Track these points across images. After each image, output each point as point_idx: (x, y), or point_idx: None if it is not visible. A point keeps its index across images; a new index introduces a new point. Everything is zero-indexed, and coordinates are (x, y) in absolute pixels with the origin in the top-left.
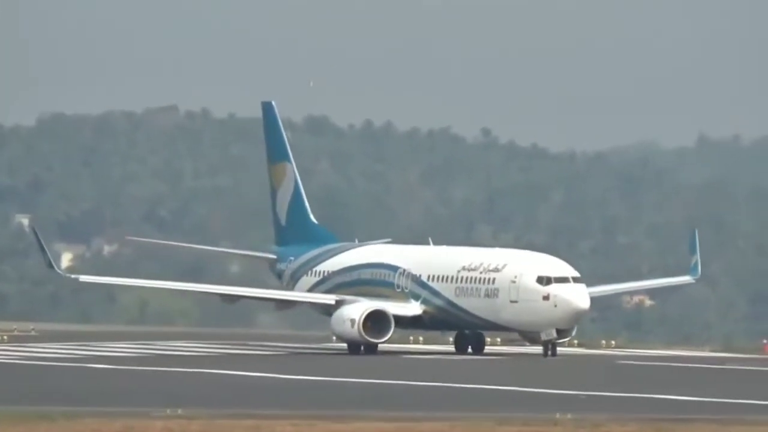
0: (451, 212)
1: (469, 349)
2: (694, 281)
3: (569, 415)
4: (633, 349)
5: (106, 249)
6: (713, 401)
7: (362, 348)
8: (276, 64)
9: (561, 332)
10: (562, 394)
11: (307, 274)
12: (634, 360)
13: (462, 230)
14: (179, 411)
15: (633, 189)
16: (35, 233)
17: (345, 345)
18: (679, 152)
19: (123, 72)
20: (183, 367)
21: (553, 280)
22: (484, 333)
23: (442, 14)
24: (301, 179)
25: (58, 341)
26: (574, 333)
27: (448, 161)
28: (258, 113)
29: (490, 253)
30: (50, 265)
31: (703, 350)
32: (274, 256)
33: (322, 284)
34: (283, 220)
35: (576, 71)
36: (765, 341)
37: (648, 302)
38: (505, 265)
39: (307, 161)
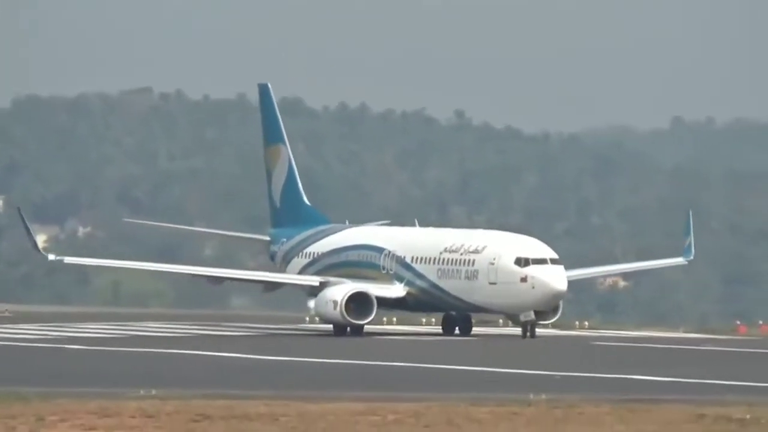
0: (425, 194)
1: (457, 331)
2: (686, 263)
3: (543, 396)
4: (607, 330)
5: (81, 230)
6: (688, 382)
7: (348, 329)
8: (250, 46)
9: (542, 314)
10: (537, 374)
11: (298, 256)
12: (609, 341)
13: (436, 212)
14: (153, 392)
15: (607, 171)
16: (21, 216)
17: (329, 326)
18: (654, 134)
19: (98, 54)
20: (157, 348)
21: (530, 261)
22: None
23: None
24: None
25: (32, 322)
26: (559, 314)
27: (422, 143)
28: (232, 95)
29: (471, 235)
30: (35, 247)
31: (677, 331)
32: (268, 238)
33: (311, 266)
34: (277, 202)
35: (550, 54)
36: (739, 322)
37: (622, 283)
38: (485, 247)
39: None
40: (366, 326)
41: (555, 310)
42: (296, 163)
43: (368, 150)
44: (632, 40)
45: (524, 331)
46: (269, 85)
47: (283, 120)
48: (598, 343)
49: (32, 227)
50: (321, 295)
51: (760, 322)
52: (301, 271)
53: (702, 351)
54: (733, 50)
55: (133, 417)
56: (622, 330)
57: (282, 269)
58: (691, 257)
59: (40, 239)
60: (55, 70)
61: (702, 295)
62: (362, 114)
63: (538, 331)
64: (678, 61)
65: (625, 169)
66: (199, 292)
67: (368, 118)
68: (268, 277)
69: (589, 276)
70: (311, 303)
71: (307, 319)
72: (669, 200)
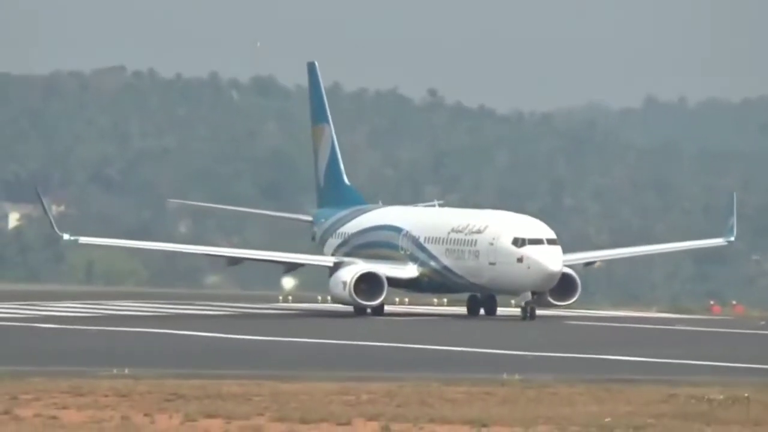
0: (398, 173)
1: (482, 312)
2: (726, 243)
3: (517, 376)
4: (580, 310)
5: (54, 209)
6: (662, 362)
7: (368, 310)
8: (222, 24)
9: (558, 295)
10: (511, 354)
11: (333, 236)
12: (582, 321)
13: (409, 191)
14: (126, 371)
15: (579, 151)
16: (39, 195)
17: (346, 306)
18: (626, 114)
19: (70, 33)
20: (130, 327)
21: (527, 242)
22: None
23: None
24: (246, 141)
25: (5, 301)
26: (577, 296)
27: (395, 122)
28: (204, 74)
29: (476, 215)
30: (52, 227)
31: (650, 311)
32: (310, 218)
33: (343, 246)
34: (321, 182)
35: (523, 32)
36: (712, 302)
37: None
38: (486, 227)
39: (253, 123)
40: (384, 306)
41: (572, 291)
42: (268, 143)
43: (340, 129)
44: (605, 20)
45: (524, 313)
46: (316, 64)
47: (255, 98)
48: (572, 323)
49: (5, 205)
50: (333, 276)
51: (734, 301)
52: (335, 251)
53: (676, 331)
54: (705, 30)
55: (106, 396)
56: (595, 310)
57: (320, 249)
58: (732, 238)
59: (13, 218)
60: (27, 48)
61: (675, 274)
62: (335, 93)
63: (502, 310)
64: (650, 41)
65: (598, 148)
66: (173, 271)
67: (341, 97)
68: (286, 257)
69: (615, 257)
70: (284, 281)
71: (281, 297)
72: (641, 180)
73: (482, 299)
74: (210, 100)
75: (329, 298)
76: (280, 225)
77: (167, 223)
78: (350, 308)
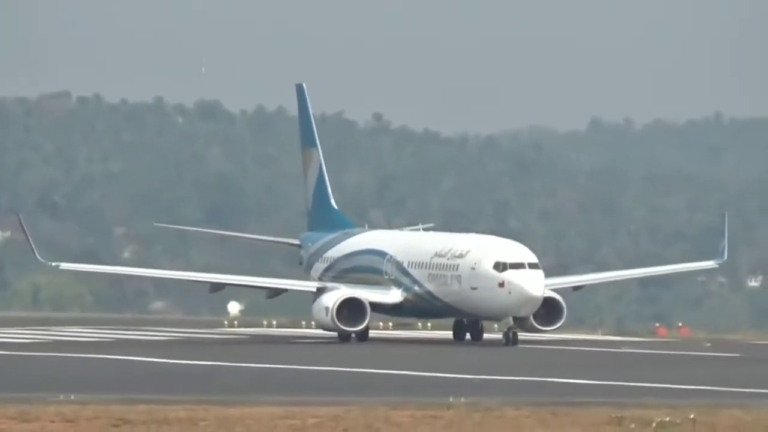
0: (343, 197)
1: (468, 336)
2: (717, 266)
3: (463, 399)
4: (525, 332)
5: (1, 235)
6: (608, 384)
7: (353, 336)
8: (167, 49)
9: (542, 320)
10: (457, 378)
11: (319, 261)
12: (528, 344)
13: (354, 215)
14: (72, 396)
15: (525, 173)
16: (21, 222)
17: (330, 333)
18: (572, 136)
19: (15, 59)
20: (77, 353)
21: (508, 266)
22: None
23: None
24: (192, 165)
25: None
26: (562, 320)
27: (341, 146)
28: (149, 98)
29: (458, 239)
30: (34, 253)
31: (595, 334)
32: (298, 242)
33: (329, 270)
34: (309, 206)
35: (468, 56)
36: (657, 324)
37: None
38: (468, 251)
39: (198, 147)
40: (369, 332)
41: (557, 316)
42: (213, 168)
43: (285, 153)
44: (549, 41)
45: (506, 338)
46: (304, 86)
47: (200, 123)
48: (521, 346)
49: None
50: (316, 301)
51: (679, 324)
52: (321, 276)
53: (621, 353)
54: (649, 51)
55: (53, 422)
56: (540, 333)
57: (307, 273)
58: (724, 260)
59: None
60: None
61: (620, 297)
62: (280, 117)
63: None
64: (595, 63)
65: (544, 171)
66: (119, 296)
67: (285, 121)
68: (270, 283)
69: (611, 280)
70: (230, 306)
71: (226, 322)
72: (587, 202)
73: (468, 324)
74: (155, 125)
75: (312, 323)
76: (226, 247)
77: (113, 248)
78: (334, 334)
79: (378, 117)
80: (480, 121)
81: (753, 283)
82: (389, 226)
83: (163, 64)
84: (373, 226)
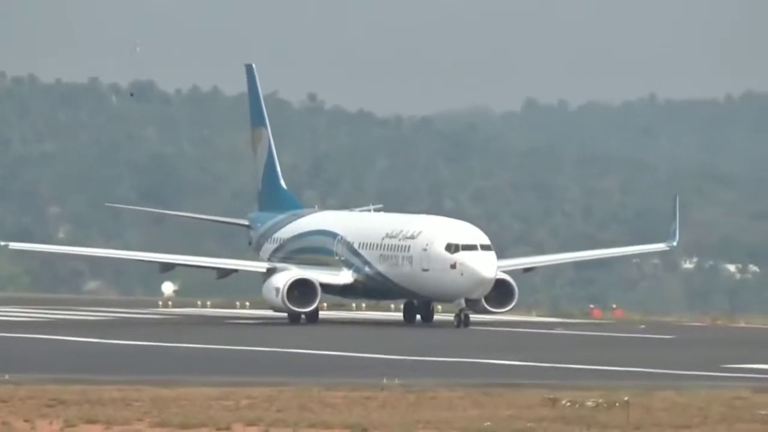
0: None
1: (418, 318)
2: (668, 249)
3: (396, 381)
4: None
5: None
6: (542, 366)
7: (303, 317)
8: (102, 28)
9: (494, 302)
10: (390, 359)
11: (268, 241)
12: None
13: None
14: (6, 376)
15: (460, 154)
16: None
17: (281, 314)
18: (507, 117)
19: None
20: (10, 333)
21: (460, 247)
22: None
23: None
24: (127, 146)
25: None
26: (514, 302)
27: (275, 126)
28: (84, 79)
29: (410, 220)
30: None
31: (530, 315)
32: (247, 223)
33: (278, 251)
34: (259, 186)
35: (402, 37)
36: (592, 306)
37: None
38: (420, 233)
39: (133, 127)
40: (319, 313)
41: (509, 298)
42: (148, 148)
43: (220, 134)
44: (486, 22)
45: (457, 319)
46: (254, 66)
47: (134, 104)
48: (450, 328)
49: None
50: (266, 282)
51: (614, 305)
52: (270, 257)
53: (556, 335)
54: (584, 32)
55: None
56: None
57: (256, 254)
58: (675, 243)
59: None
60: None
61: (555, 278)
62: (214, 97)
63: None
64: (530, 44)
65: (479, 151)
66: (53, 276)
67: (220, 101)
68: (220, 263)
69: (555, 262)
70: (164, 286)
71: (160, 303)
72: (522, 183)
73: (418, 306)
74: (90, 105)
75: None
76: (161, 228)
77: (48, 228)
78: (284, 315)
79: (312, 97)
80: (415, 102)
81: (687, 265)
82: (323, 206)
83: (97, 44)
84: (309, 206)
